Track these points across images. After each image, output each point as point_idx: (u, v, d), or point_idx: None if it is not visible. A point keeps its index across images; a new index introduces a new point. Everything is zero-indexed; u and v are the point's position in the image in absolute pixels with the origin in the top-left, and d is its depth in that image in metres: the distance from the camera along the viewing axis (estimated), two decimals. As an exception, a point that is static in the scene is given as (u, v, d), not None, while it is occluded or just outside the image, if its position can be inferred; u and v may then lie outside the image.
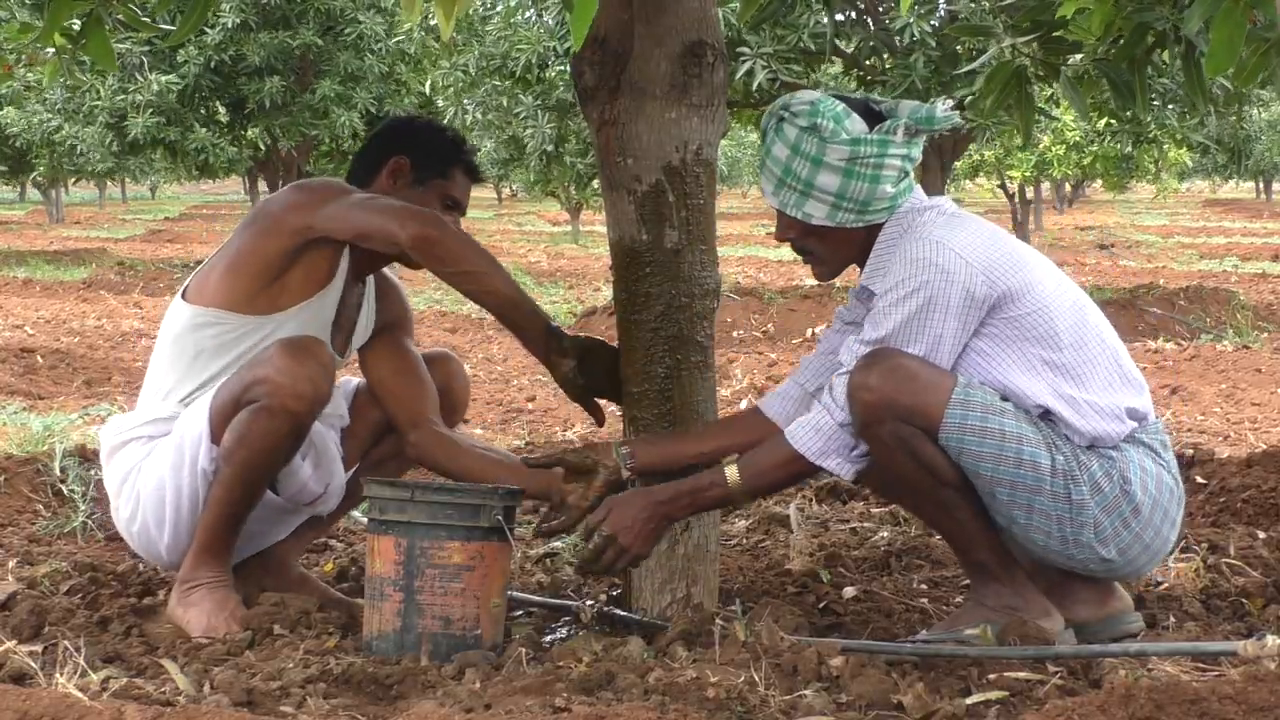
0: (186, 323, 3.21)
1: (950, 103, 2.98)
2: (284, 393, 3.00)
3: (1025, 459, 2.82)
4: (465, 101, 10.60)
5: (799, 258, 3.08)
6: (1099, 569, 2.93)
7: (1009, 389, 2.88)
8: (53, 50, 3.61)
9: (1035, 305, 2.87)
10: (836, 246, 2.97)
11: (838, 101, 2.90)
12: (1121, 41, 3.33)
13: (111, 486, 3.28)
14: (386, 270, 3.49)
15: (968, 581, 3.44)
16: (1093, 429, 2.88)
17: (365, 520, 4.21)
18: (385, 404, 3.36)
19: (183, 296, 3.26)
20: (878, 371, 2.82)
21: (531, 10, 10.18)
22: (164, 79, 14.85)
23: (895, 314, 2.84)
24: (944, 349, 2.85)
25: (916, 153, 2.92)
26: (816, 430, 2.88)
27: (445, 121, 10.98)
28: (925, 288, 2.81)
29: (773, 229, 3.14)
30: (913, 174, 2.96)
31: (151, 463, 3.18)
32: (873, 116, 2.91)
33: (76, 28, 3.37)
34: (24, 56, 4.03)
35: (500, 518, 2.92)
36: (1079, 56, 3.45)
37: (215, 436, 3.09)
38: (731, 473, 2.91)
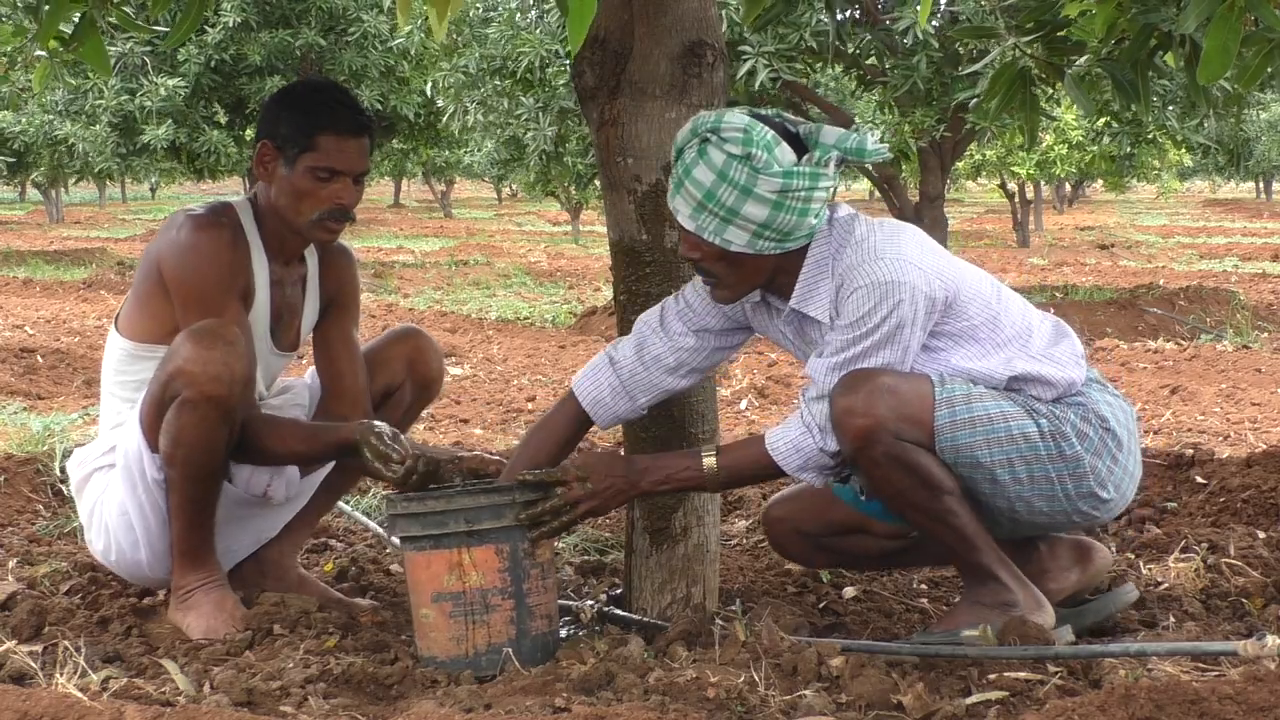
0: (123, 355, 3.21)
1: (879, 134, 2.96)
2: (200, 380, 2.96)
3: (1015, 432, 2.87)
4: (466, 101, 10.60)
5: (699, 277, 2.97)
6: (1100, 513, 2.99)
7: (971, 375, 2.92)
8: (45, 53, 3.60)
9: (972, 294, 2.92)
10: (747, 272, 2.89)
11: (767, 128, 2.80)
12: (1125, 43, 3.33)
13: (83, 518, 3.29)
14: (340, 242, 3.37)
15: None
16: (1061, 377, 2.94)
17: (362, 518, 4.24)
18: (322, 386, 3.39)
19: (115, 326, 3.25)
20: (863, 395, 2.81)
21: (533, 12, 10.18)
22: (171, 82, 14.86)
23: (869, 339, 2.83)
24: (909, 357, 2.88)
25: (837, 179, 2.90)
26: (798, 450, 2.89)
27: (445, 122, 10.99)
28: (898, 309, 2.81)
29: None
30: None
31: (110, 493, 3.18)
32: (793, 140, 2.84)
33: (70, 31, 3.35)
34: (19, 60, 4.01)
35: None
36: (1084, 58, 3.45)
37: (152, 445, 3.08)
38: (710, 462, 2.92)
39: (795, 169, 2.77)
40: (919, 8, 5.23)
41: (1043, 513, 2.95)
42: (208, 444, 3.03)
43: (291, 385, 3.45)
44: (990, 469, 2.88)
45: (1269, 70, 2.93)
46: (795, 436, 2.90)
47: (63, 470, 4.63)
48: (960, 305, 2.90)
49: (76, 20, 3.29)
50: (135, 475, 3.11)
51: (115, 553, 3.20)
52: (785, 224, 2.81)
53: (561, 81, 9.95)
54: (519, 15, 10.10)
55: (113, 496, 3.17)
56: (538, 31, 9.92)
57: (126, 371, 3.20)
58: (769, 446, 2.91)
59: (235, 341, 3.00)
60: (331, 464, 3.41)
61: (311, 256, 3.36)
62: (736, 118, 2.79)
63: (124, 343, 3.20)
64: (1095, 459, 2.92)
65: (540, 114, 10.37)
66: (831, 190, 2.86)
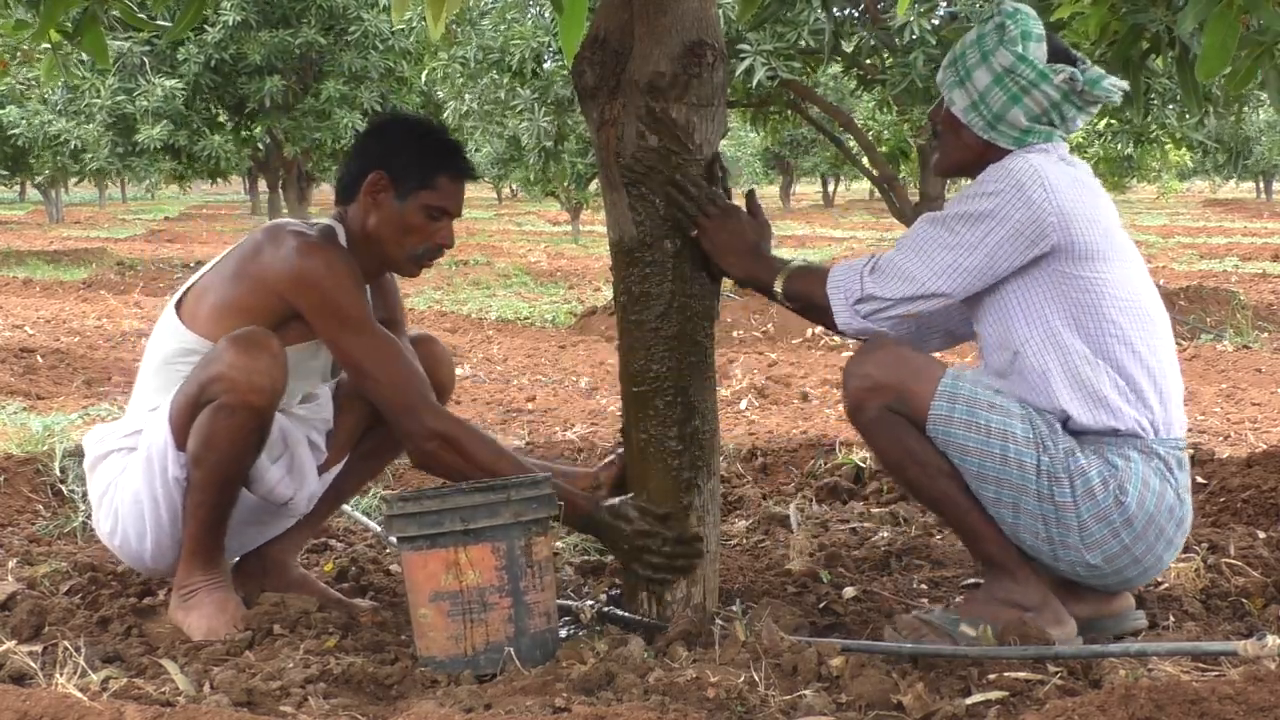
0: (179, 346, 3.18)
1: (1125, 84, 3.02)
2: (241, 388, 2.97)
3: (1011, 457, 2.84)
4: (464, 93, 10.59)
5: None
6: (1085, 574, 2.92)
7: (1045, 332, 2.88)
8: (48, 47, 3.61)
9: (1091, 273, 2.87)
10: (957, 145, 3.02)
11: (1039, 25, 2.95)
12: (1116, 44, 3.34)
13: (93, 498, 3.28)
14: None
15: (971, 580, 3.46)
16: (1106, 396, 2.86)
17: (362, 518, 4.24)
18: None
19: (177, 311, 3.22)
20: (871, 359, 2.90)
21: (529, 5, 10.18)
22: (169, 84, 14.88)
23: (961, 205, 2.89)
24: (978, 255, 2.86)
25: (1070, 113, 2.94)
26: (849, 268, 2.95)
27: (445, 116, 11.01)
28: (998, 195, 2.85)
29: (772, 229, 3.16)
30: (1061, 130, 2.97)
31: (126, 477, 3.17)
32: (1061, 61, 2.96)
33: (71, 25, 3.37)
34: (19, 54, 4.02)
35: (560, 505, 2.98)
36: (1077, 59, 3.46)
37: (179, 443, 3.07)
38: (779, 282, 3.02)
39: (1030, 58, 2.91)
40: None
41: (1028, 544, 2.91)
42: (238, 450, 3.03)
43: (316, 395, 3.42)
44: (976, 480, 2.87)
45: (1258, 75, 2.94)
46: (847, 265, 2.97)
47: (63, 470, 4.63)
48: (1070, 267, 2.85)
49: (78, 15, 3.30)
50: (156, 469, 3.11)
51: (120, 537, 3.20)
52: (995, 101, 2.93)
53: (559, 76, 9.96)
54: (512, 10, 10.10)
55: (129, 482, 3.16)
56: (529, 24, 9.92)
57: (176, 362, 3.17)
58: (829, 283, 2.97)
59: (278, 353, 3.01)
60: (341, 464, 3.41)
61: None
62: (1025, 5, 2.98)
63: (189, 336, 3.16)
64: (1092, 520, 2.85)
65: (536, 106, 10.37)
66: (1056, 110, 2.92)
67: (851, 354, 2.94)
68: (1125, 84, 3.01)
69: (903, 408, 2.86)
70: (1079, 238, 2.85)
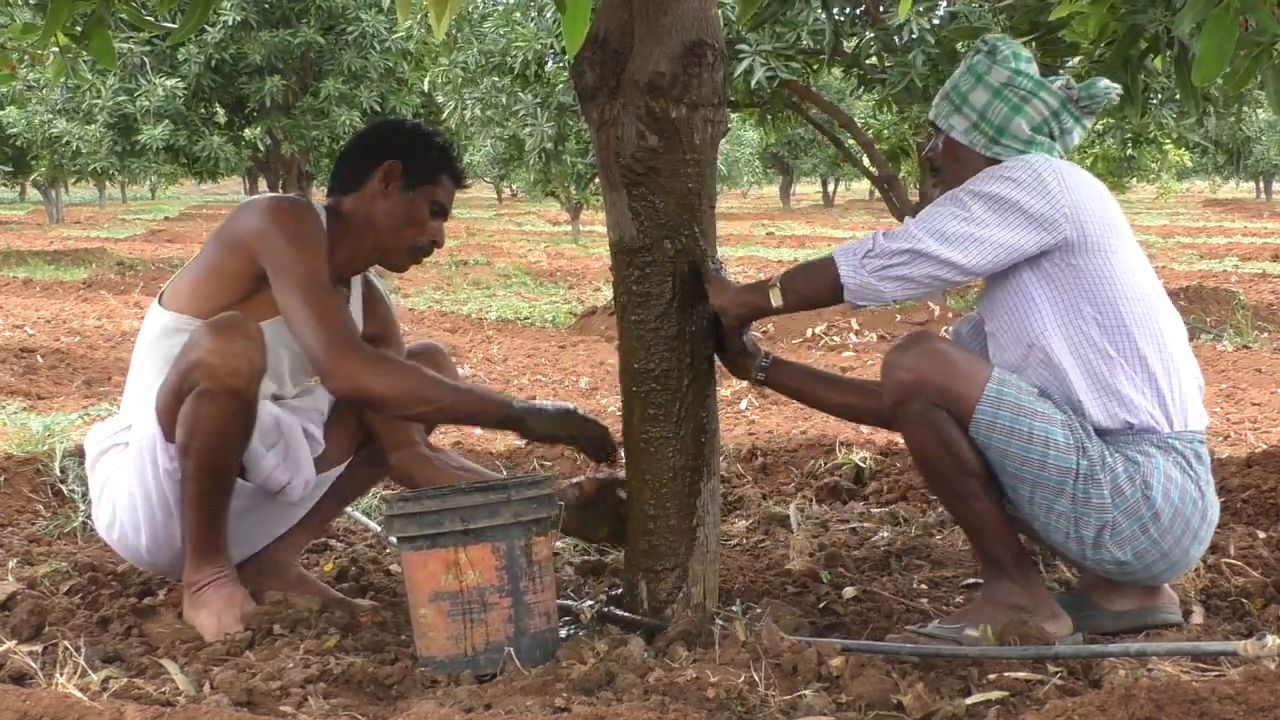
0: (160, 328, 3.20)
1: (1118, 88, 3.06)
2: (219, 372, 2.97)
3: (1050, 463, 2.84)
4: (465, 97, 10.61)
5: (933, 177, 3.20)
6: (1115, 571, 2.94)
7: (1061, 324, 2.89)
8: (56, 50, 3.62)
9: (1101, 265, 2.88)
10: (960, 171, 3.03)
11: (1026, 50, 3.00)
12: (1115, 44, 3.34)
13: (94, 494, 3.29)
14: (376, 279, 3.48)
15: (971, 580, 3.46)
16: (1120, 390, 2.87)
17: (362, 518, 4.24)
18: (372, 420, 3.38)
19: (159, 301, 3.24)
20: (915, 352, 2.89)
21: (531, 9, 10.19)
22: (169, 83, 14.88)
23: (979, 185, 2.89)
24: (992, 235, 2.85)
25: (1068, 123, 2.99)
26: (855, 245, 2.94)
27: (445, 118, 11.04)
28: (1016, 182, 2.85)
29: (772, 229, 3.18)
30: (1061, 147, 3.01)
31: (121, 473, 3.18)
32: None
33: (79, 28, 3.37)
34: (26, 56, 4.03)
35: (562, 505, 2.98)
36: (1076, 59, 3.46)
37: (168, 435, 3.08)
38: (775, 295, 3.02)
39: (1025, 70, 2.97)
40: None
41: (1058, 543, 2.94)
42: (225, 435, 3.03)
43: (312, 388, 3.43)
44: (1012, 480, 2.88)
45: (1256, 75, 2.94)
46: (855, 243, 2.95)
47: (63, 470, 4.63)
48: (1077, 259, 2.87)
49: (84, 17, 3.31)
50: (147, 462, 3.12)
51: (118, 530, 3.21)
52: (997, 114, 2.97)
53: (561, 79, 9.96)
54: (515, 12, 10.12)
55: (123, 477, 3.17)
56: (532, 26, 9.93)
57: (159, 344, 3.18)
58: (834, 250, 2.98)
59: (255, 336, 3.02)
60: (343, 465, 3.43)
61: (356, 288, 3.38)
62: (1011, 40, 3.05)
63: (167, 316, 3.18)
64: (1121, 517, 2.87)
65: (538, 110, 10.38)
66: (1055, 119, 2.98)
67: (894, 347, 2.94)
68: (1118, 85, 3.03)
69: (946, 406, 2.87)
70: (1090, 232, 2.87)
